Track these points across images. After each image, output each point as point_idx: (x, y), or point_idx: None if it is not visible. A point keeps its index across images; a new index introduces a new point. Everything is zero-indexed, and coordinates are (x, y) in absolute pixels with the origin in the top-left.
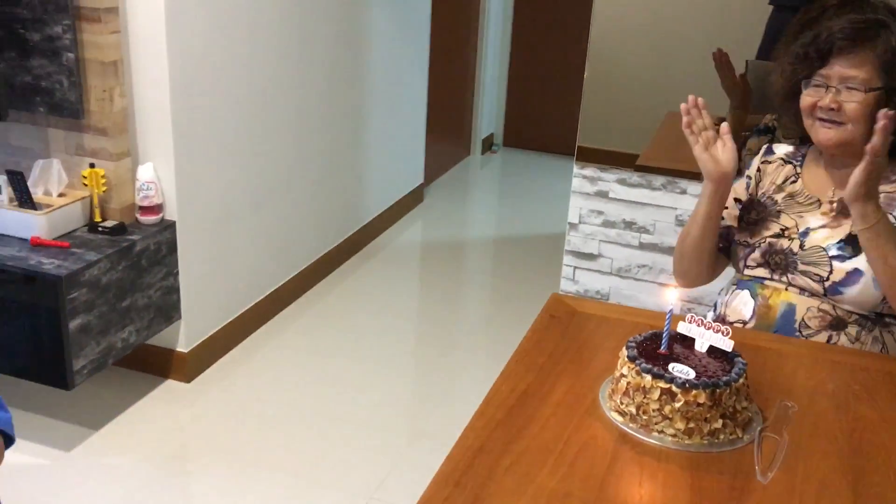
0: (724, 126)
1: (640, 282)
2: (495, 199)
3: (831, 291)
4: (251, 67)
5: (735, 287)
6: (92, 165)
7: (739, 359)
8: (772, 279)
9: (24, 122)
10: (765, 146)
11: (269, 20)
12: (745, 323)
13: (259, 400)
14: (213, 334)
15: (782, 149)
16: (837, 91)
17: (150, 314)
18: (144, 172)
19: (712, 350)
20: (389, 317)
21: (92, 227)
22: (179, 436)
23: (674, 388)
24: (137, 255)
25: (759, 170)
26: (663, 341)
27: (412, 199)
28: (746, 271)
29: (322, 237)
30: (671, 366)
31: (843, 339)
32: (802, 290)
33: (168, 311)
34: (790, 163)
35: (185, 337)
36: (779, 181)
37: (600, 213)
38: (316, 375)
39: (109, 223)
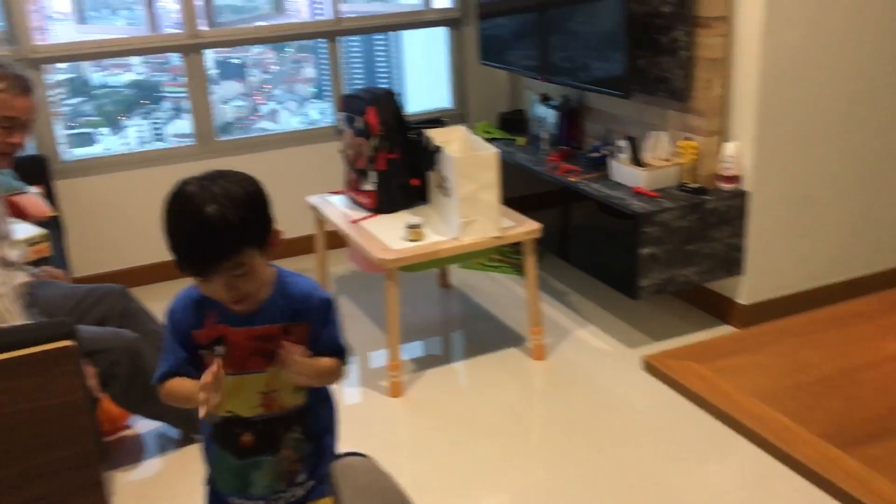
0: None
1: None
2: None
3: None
4: (848, 71)
5: None
6: (687, 139)
7: None
8: None
9: (649, 103)
10: None
11: (874, 29)
12: None
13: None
14: (776, 298)
15: None
16: None
17: (711, 262)
18: (729, 149)
19: None
20: None
21: (680, 186)
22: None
23: None
24: (708, 212)
25: None
26: None
27: None
28: None
29: None
30: None
31: None
32: None
33: (730, 264)
34: None
35: (745, 292)
36: None
37: None
38: None
39: (693, 185)
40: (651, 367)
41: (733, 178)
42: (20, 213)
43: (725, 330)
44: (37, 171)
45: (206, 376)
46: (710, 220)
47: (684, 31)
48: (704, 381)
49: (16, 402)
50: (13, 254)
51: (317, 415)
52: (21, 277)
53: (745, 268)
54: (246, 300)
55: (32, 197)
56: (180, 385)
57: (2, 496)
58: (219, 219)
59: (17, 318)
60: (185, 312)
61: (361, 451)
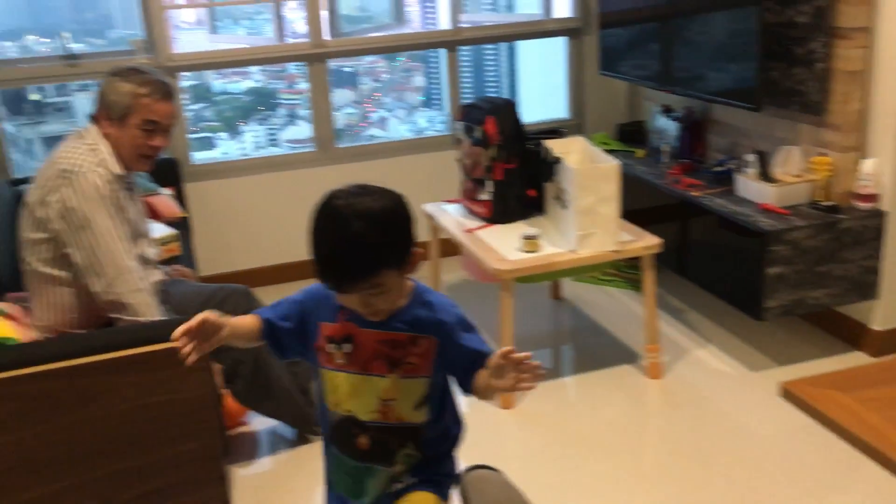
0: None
1: None
2: None
3: None
4: None
5: None
6: (821, 154)
7: None
8: None
9: (780, 116)
10: None
11: None
12: None
13: None
14: None
15: None
16: None
17: (844, 285)
18: (867, 166)
19: None
20: None
21: (812, 204)
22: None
23: None
24: (841, 232)
25: None
26: None
27: None
28: None
29: None
30: None
31: None
32: None
33: (864, 288)
34: None
35: (880, 317)
36: None
37: None
38: None
39: (826, 203)
40: (790, 394)
41: (870, 197)
42: (153, 214)
43: (857, 356)
44: (168, 173)
45: (184, 325)
46: (844, 240)
47: (821, 43)
48: (848, 412)
49: (149, 394)
50: (151, 252)
51: (437, 439)
52: (157, 275)
53: (880, 291)
54: (379, 313)
55: (164, 198)
56: (237, 319)
57: (130, 485)
58: (359, 240)
59: (154, 312)
60: (320, 301)
61: (491, 465)
